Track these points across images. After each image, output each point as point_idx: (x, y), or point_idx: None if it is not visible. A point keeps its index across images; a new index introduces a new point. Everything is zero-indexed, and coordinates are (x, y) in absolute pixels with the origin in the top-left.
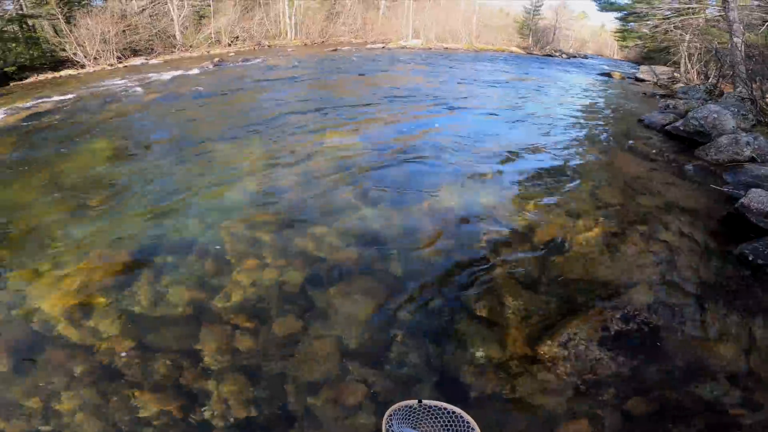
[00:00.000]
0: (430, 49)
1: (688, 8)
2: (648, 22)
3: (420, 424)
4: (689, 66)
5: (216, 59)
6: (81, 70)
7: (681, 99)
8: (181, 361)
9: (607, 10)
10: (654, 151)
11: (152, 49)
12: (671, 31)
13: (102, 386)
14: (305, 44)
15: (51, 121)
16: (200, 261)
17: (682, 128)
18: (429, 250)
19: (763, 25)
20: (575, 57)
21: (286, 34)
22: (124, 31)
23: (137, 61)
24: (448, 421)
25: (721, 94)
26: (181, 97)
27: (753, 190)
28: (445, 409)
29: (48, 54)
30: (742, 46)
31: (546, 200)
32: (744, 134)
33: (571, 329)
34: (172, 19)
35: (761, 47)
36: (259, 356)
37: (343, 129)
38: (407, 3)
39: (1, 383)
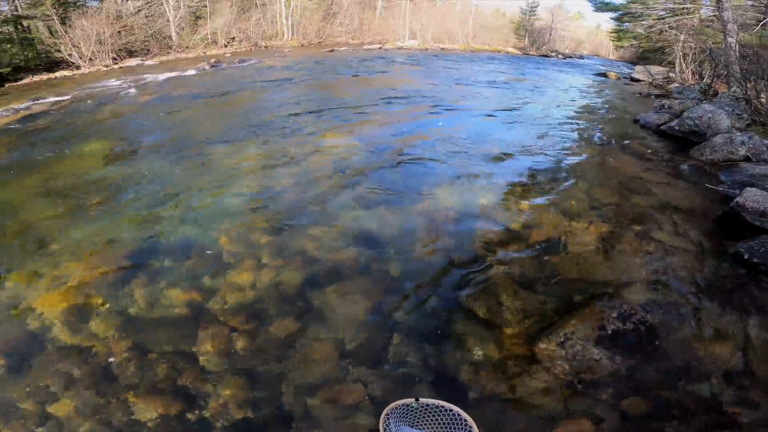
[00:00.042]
0: (427, 49)
1: (683, 8)
2: (643, 23)
3: (417, 422)
4: (684, 66)
5: (212, 60)
6: (76, 71)
7: (676, 99)
8: (179, 362)
9: (602, 11)
10: (649, 150)
11: (148, 50)
12: (666, 31)
13: (99, 388)
14: (302, 45)
15: (46, 123)
16: (197, 262)
17: (677, 128)
18: (426, 250)
19: (757, 24)
20: (571, 57)
21: (283, 35)
22: (119, 32)
23: (133, 62)
24: (446, 419)
25: (716, 93)
26: (177, 98)
27: (748, 189)
28: (442, 407)
29: (43, 55)
30: (737, 46)
31: (542, 200)
32: (739, 134)
33: (568, 328)
34: (168, 20)
35: (755, 47)
36: (257, 357)
37: (340, 130)
38: (404, 4)
39: None
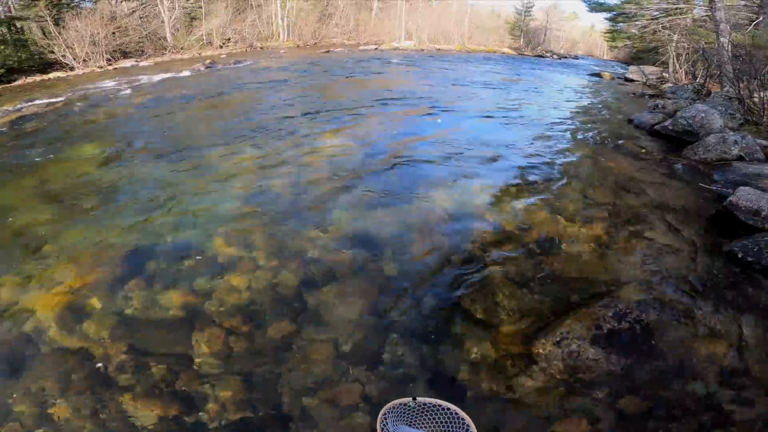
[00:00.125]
0: (423, 50)
1: (676, 8)
2: (636, 23)
3: (415, 421)
4: (677, 66)
5: (207, 61)
6: (70, 73)
7: (669, 99)
8: (176, 364)
9: (596, 11)
10: (643, 150)
11: (142, 51)
12: (659, 31)
13: (96, 391)
14: (297, 46)
15: (40, 124)
16: (193, 264)
17: (670, 128)
18: (422, 251)
19: (750, 24)
20: (566, 57)
21: (279, 36)
22: (113, 33)
23: (127, 63)
24: (443, 418)
25: (709, 93)
26: (171, 99)
27: (741, 188)
28: (439, 406)
29: (36, 56)
30: (729, 46)
31: (537, 200)
32: (732, 133)
33: (564, 328)
34: (162, 21)
35: (748, 47)
36: (254, 359)
37: (336, 132)
38: (400, 4)
39: None
